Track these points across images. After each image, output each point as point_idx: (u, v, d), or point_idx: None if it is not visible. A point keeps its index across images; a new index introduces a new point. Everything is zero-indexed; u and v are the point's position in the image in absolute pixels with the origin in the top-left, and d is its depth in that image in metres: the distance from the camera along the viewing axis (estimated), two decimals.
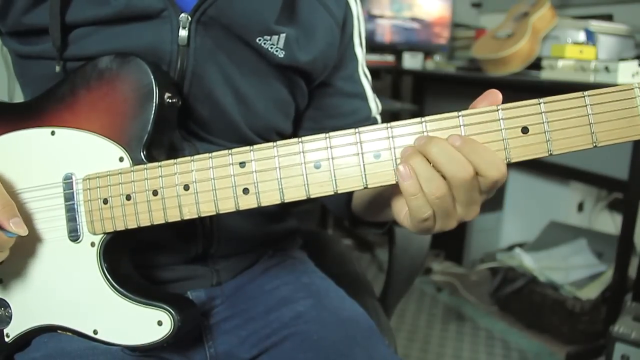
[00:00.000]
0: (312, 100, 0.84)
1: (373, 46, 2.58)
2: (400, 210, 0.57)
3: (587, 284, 1.99)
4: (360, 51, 0.86)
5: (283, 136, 0.82)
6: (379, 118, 0.89)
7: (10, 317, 0.66)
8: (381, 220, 0.77)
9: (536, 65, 1.96)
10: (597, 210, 2.36)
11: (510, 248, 2.37)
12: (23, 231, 0.60)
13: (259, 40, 0.71)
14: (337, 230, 2.75)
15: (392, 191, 0.58)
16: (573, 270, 2.06)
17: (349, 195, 0.80)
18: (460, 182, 0.50)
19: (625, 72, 1.60)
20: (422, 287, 2.41)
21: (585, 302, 1.90)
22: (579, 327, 1.91)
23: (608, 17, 2.13)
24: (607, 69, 1.65)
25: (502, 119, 0.49)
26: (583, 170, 1.91)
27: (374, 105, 0.88)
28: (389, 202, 0.59)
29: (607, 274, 1.98)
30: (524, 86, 2.08)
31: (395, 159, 0.52)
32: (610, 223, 2.29)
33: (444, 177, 0.50)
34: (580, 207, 2.41)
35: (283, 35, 0.72)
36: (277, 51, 0.72)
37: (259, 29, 0.71)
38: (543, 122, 0.49)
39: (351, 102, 0.85)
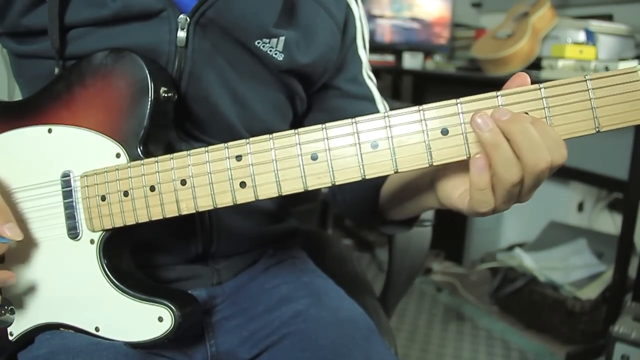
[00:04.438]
0: (317, 103, 0.83)
1: (373, 46, 2.58)
2: (452, 192, 0.55)
3: (587, 284, 1.99)
4: (364, 53, 0.85)
5: None
6: None
7: (14, 315, 0.66)
8: (411, 215, 0.75)
9: (536, 65, 1.96)
10: (597, 210, 2.36)
11: (510, 248, 2.36)
12: (18, 235, 0.59)
13: (258, 43, 0.71)
14: (337, 230, 2.75)
15: (433, 176, 0.57)
16: (573, 270, 2.06)
17: (374, 196, 0.78)
18: (536, 171, 0.47)
19: None
20: (422, 287, 2.40)
21: (585, 302, 1.90)
22: (579, 327, 1.91)
23: (608, 17, 2.13)
24: (607, 69, 1.65)
25: (502, 105, 0.48)
26: (583, 170, 1.91)
27: (382, 107, 0.86)
28: (429, 188, 0.58)
29: (607, 274, 1.98)
30: None
31: (393, 148, 0.51)
32: (610, 223, 2.28)
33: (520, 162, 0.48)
34: (580, 207, 2.40)
35: (282, 38, 0.72)
36: (276, 54, 0.72)
37: (258, 32, 0.70)
38: (544, 108, 0.47)
39: (358, 104, 0.83)
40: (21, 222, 0.64)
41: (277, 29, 0.72)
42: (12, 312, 0.66)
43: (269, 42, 0.71)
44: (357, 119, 0.52)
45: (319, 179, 0.53)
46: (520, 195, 0.50)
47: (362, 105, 0.84)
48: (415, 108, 0.50)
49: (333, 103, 0.83)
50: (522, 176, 0.48)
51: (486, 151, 0.48)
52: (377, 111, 0.84)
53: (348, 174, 0.52)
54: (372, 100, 0.85)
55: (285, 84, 0.76)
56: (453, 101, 0.49)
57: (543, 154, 0.46)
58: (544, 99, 0.47)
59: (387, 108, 0.87)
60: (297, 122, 0.84)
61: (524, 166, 0.47)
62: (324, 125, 0.52)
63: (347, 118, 0.82)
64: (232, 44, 0.70)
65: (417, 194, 0.66)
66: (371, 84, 0.86)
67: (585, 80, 0.47)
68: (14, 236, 0.59)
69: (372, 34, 2.57)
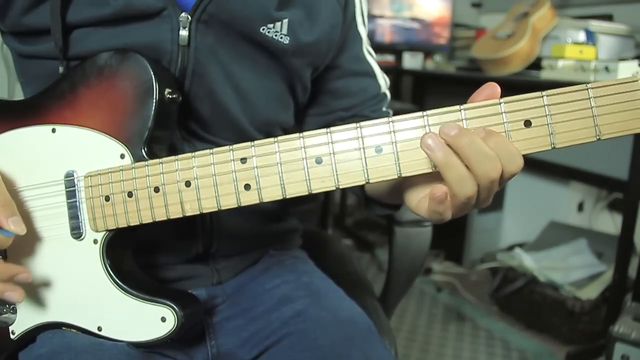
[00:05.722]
0: (321, 84, 0.84)
1: (373, 46, 2.58)
2: (411, 199, 0.57)
3: (587, 284, 1.99)
4: (363, 29, 0.86)
5: (285, 130, 0.82)
6: (388, 93, 0.90)
7: (15, 314, 0.66)
8: (397, 202, 0.76)
9: (536, 65, 1.96)
10: (597, 210, 2.36)
11: (510, 248, 2.37)
12: (21, 230, 0.59)
13: (263, 29, 0.71)
14: (337, 230, 2.75)
15: (400, 180, 0.58)
16: (573, 270, 2.06)
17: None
18: (488, 181, 0.49)
19: (625, 72, 1.61)
20: (422, 287, 2.41)
21: (585, 302, 1.90)
22: (579, 327, 1.91)
23: (608, 17, 2.14)
24: (607, 69, 1.66)
25: (504, 112, 0.49)
26: (583, 170, 1.91)
27: (383, 81, 0.88)
28: (398, 191, 0.60)
29: (607, 274, 1.98)
30: (524, 86, 2.08)
31: (397, 153, 0.51)
32: (610, 223, 2.29)
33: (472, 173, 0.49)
34: (580, 207, 2.41)
35: (285, 21, 0.72)
36: (281, 38, 0.72)
37: (261, 18, 0.70)
38: (546, 115, 0.48)
39: (360, 81, 0.86)
40: (24, 221, 0.64)
41: (279, 11, 0.72)
42: (14, 310, 0.66)
43: (273, 27, 0.71)
44: (362, 123, 0.52)
45: (323, 183, 0.53)
46: (476, 203, 0.52)
47: (364, 82, 0.86)
48: (419, 114, 0.51)
49: (337, 83, 0.85)
50: (477, 188, 0.50)
51: (440, 170, 0.50)
52: (379, 86, 0.87)
53: (352, 178, 0.53)
54: (372, 75, 0.87)
55: (288, 71, 0.76)
56: (457, 107, 0.50)
57: (492, 163, 0.48)
58: (545, 107, 0.49)
59: (387, 80, 0.90)
60: (300, 110, 0.85)
61: (476, 177, 0.49)
62: (328, 130, 0.53)
63: (351, 96, 0.85)
64: (235, 36, 0.71)
65: (392, 193, 0.68)
66: (371, 59, 0.88)
67: (587, 89, 0.48)
68: (17, 230, 0.59)
69: (372, 34, 2.58)
